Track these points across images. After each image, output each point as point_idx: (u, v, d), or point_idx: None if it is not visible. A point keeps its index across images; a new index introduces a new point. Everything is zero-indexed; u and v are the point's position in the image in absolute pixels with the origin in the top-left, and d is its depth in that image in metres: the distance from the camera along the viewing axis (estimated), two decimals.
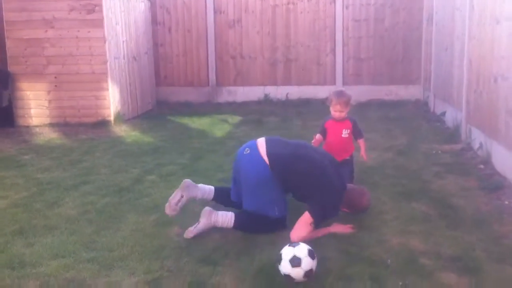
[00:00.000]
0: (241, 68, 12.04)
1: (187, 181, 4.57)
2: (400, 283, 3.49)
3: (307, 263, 3.44)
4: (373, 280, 3.53)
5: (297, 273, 3.43)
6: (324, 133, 5.22)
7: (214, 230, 4.35)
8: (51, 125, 9.25)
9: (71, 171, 6.42)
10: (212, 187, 4.69)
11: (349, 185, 4.56)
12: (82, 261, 3.90)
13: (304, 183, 4.32)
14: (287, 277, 3.45)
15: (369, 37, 11.72)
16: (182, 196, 4.48)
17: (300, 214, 4.28)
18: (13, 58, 9.31)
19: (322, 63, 11.90)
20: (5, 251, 4.09)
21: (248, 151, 4.41)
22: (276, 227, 4.33)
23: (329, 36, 11.80)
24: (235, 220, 4.31)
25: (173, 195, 4.52)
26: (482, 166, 6.12)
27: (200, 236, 4.26)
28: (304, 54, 11.88)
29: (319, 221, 4.21)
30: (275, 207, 4.32)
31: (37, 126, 9.24)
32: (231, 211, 4.41)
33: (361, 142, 5.28)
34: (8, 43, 9.29)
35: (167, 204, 4.49)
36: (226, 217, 4.32)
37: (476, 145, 6.73)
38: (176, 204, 4.46)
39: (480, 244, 4.05)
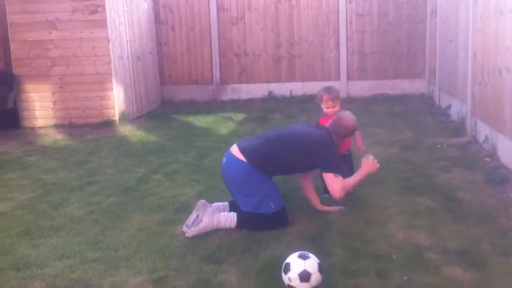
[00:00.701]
0: (245, 65, 12.02)
1: (202, 201, 4.48)
2: (406, 278, 3.48)
3: (316, 279, 3.33)
4: (379, 275, 3.53)
5: (292, 277, 3.33)
6: None
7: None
8: (56, 126, 9.27)
9: (76, 172, 6.44)
10: (226, 203, 4.64)
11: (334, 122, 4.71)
12: (87, 261, 3.91)
13: (295, 157, 4.49)
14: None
15: (373, 32, 11.67)
16: (197, 216, 4.38)
17: (302, 208, 4.30)
18: (17, 60, 9.34)
19: (326, 59, 11.86)
20: (11, 253, 4.11)
21: (225, 160, 4.58)
22: (278, 221, 4.36)
23: (332, 31, 11.76)
24: (237, 220, 4.33)
25: (189, 217, 4.42)
26: (487, 159, 6.09)
27: (204, 234, 4.26)
28: (308, 50, 11.85)
29: (338, 171, 4.48)
30: (269, 201, 4.37)
31: (42, 127, 9.27)
32: (233, 211, 4.43)
33: (356, 134, 5.06)
34: (13, 46, 9.31)
35: (184, 228, 4.36)
36: (228, 218, 4.35)
37: (481, 138, 6.70)
38: (192, 223, 4.35)
39: (486, 238, 4.04)
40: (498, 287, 3.35)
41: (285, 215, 4.42)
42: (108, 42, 9.15)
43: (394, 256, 3.80)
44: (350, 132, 4.72)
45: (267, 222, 4.34)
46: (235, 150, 4.54)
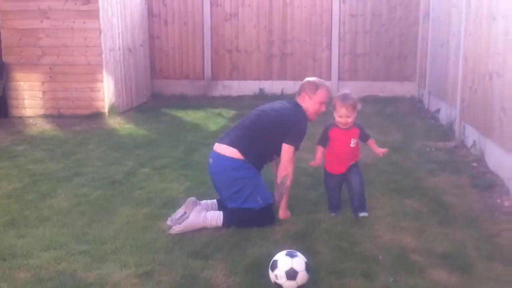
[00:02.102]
0: (237, 62, 12.01)
1: (192, 199, 4.45)
2: (391, 279, 3.50)
3: (303, 278, 3.33)
4: (365, 275, 3.54)
5: (291, 285, 3.32)
6: (326, 141, 4.57)
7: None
8: (45, 116, 9.21)
9: (64, 163, 6.40)
10: (215, 201, 4.63)
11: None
12: (73, 253, 3.89)
13: (275, 134, 4.48)
14: (278, 286, 3.35)
15: (365, 33, 11.71)
16: (185, 213, 4.33)
17: (290, 207, 4.31)
18: (7, 48, 9.26)
19: (318, 59, 11.88)
20: None
21: (211, 160, 4.55)
22: (265, 217, 4.37)
23: (325, 31, 11.78)
24: (223, 219, 4.32)
25: (176, 212, 4.39)
26: (475, 164, 6.13)
27: (193, 230, 4.26)
28: (300, 49, 11.86)
29: (298, 145, 4.49)
30: (257, 196, 4.38)
31: (30, 117, 9.20)
32: (220, 210, 4.43)
33: (371, 143, 4.65)
34: (3, 33, 9.23)
35: (169, 222, 4.33)
36: (214, 216, 4.33)
37: (469, 143, 6.74)
38: (178, 219, 4.30)
39: (472, 242, 4.07)
40: None
41: (272, 212, 4.43)
42: (100, 33, 9.10)
43: (380, 257, 3.82)
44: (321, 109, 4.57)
45: (254, 218, 4.34)
46: (219, 148, 4.51)
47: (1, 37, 9.24)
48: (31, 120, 9.01)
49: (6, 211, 4.77)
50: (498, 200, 5.01)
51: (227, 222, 4.31)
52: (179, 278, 3.52)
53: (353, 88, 11.37)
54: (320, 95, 4.58)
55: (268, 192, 4.51)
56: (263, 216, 4.37)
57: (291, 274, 3.31)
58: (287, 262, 3.34)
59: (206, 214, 4.32)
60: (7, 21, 9.18)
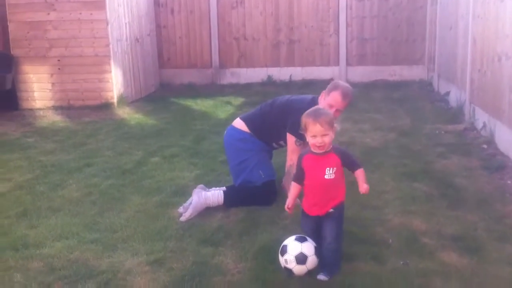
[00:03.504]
0: (244, 50, 11.97)
1: (200, 186, 4.57)
2: (401, 262, 3.51)
3: (312, 262, 3.35)
4: (375, 259, 3.56)
5: (301, 270, 3.35)
6: (301, 175, 3.50)
7: (215, 211, 4.38)
8: (55, 108, 9.26)
9: (74, 154, 6.45)
10: (224, 188, 4.64)
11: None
12: (85, 242, 3.94)
13: (282, 116, 4.54)
14: (288, 270, 3.37)
15: (372, 17, 11.61)
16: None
17: None
18: (15, 41, 9.29)
19: (326, 44, 11.81)
20: (9, 233, 4.14)
21: (226, 131, 4.86)
22: (266, 194, 4.43)
23: (332, 16, 11.70)
24: (224, 196, 4.39)
25: (188, 200, 4.48)
26: (485, 146, 6.11)
27: (202, 217, 4.29)
28: (307, 35, 11.80)
29: (296, 134, 4.35)
30: (259, 171, 4.48)
31: (40, 109, 9.25)
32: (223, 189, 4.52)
33: (358, 173, 3.45)
34: (11, 26, 9.25)
35: (181, 209, 4.40)
36: (215, 194, 4.42)
37: (479, 125, 6.71)
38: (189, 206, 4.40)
39: (482, 224, 4.07)
40: (493, 273, 3.37)
41: (274, 190, 4.47)
42: (107, 24, 9.10)
43: (390, 240, 3.83)
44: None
45: (255, 194, 4.43)
46: (235, 121, 4.84)
47: (9, 30, 9.27)
48: (41, 112, 9.06)
49: (19, 202, 4.82)
50: (509, 182, 4.99)
51: (228, 200, 4.40)
52: (190, 265, 3.55)
53: (362, 73, 11.51)
54: (332, 97, 4.28)
55: (272, 169, 4.56)
56: (265, 193, 4.43)
57: (301, 259, 3.33)
58: (297, 247, 3.36)
59: (206, 193, 4.40)
60: (15, 14, 9.20)
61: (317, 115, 3.37)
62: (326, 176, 3.37)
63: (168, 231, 4.10)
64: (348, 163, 3.45)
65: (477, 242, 3.76)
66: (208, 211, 4.38)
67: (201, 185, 4.53)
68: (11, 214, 4.52)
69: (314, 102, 4.41)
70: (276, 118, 4.58)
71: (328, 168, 3.37)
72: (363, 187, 3.39)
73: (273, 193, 4.48)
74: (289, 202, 3.55)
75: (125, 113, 8.97)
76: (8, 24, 9.25)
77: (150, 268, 3.53)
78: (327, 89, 4.37)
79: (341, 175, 3.43)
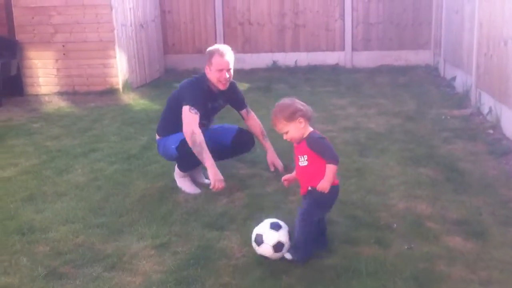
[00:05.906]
0: (249, 35, 11.92)
1: (199, 167, 4.80)
2: (406, 247, 3.52)
3: (271, 237, 3.32)
4: (379, 243, 3.57)
5: (265, 249, 3.33)
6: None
7: (220, 195, 4.40)
8: (60, 93, 9.27)
9: (80, 139, 6.46)
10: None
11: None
12: (91, 227, 3.96)
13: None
14: (263, 257, 3.37)
15: (378, 1, 11.51)
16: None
17: None
18: (20, 27, 9.28)
19: (331, 29, 11.74)
20: (16, 217, 4.16)
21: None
22: (185, 153, 4.47)
23: (337, 1, 11.62)
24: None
25: None
26: (491, 131, 6.08)
27: (207, 201, 4.31)
28: (312, 20, 11.73)
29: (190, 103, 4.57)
30: (171, 145, 4.65)
31: (45, 94, 9.27)
32: None
33: (328, 167, 3.35)
34: (15, 12, 9.24)
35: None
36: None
37: (485, 110, 6.68)
38: None
39: (487, 208, 4.06)
40: (498, 257, 3.37)
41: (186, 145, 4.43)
42: (111, 9, 9.07)
43: (395, 225, 3.83)
44: None
45: (181, 157, 4.60)
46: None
47: (14, 16, 9.26)
48: (46, 98, 9.08)
49: (25, 187, 4.85)
50: None
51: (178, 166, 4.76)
52: (195, 249, 3.57)
53: (367, 58, 11.46)
54: (215, 63, 4.58)
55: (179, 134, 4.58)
56: (182, 152, 4.52)
57: (278, 247, 3.33)
58: (273, 236, 3.33)
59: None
60: (19, 0, 9.18)
61: (273, 112, 3.46)
62: (300, 163, 3.49)
63: (173, 215, 4.12)
64: (320, 154, 3.41)
65: (482, 227, 3.76)
66: (213, 196, 4.41)
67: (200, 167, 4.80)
68: (17, 198, 4.55)
69: (201, 78, 4.73)
70: (174, 108, 4.71)
71: (300, 156, 3.47)
72: (320, 184, 3.35)
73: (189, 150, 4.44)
74: (288, 176, 3.73)
75: (130, 98, 8.97)
76: (13, 9, 9.24)
77: (156, 252, 3.55)
78: (206, 61, 4.64)
79: (319, 161, 3.40)
